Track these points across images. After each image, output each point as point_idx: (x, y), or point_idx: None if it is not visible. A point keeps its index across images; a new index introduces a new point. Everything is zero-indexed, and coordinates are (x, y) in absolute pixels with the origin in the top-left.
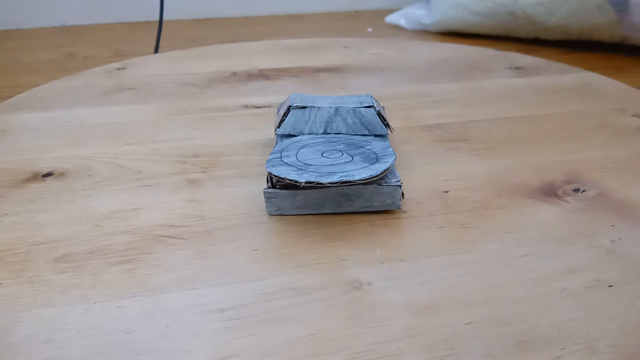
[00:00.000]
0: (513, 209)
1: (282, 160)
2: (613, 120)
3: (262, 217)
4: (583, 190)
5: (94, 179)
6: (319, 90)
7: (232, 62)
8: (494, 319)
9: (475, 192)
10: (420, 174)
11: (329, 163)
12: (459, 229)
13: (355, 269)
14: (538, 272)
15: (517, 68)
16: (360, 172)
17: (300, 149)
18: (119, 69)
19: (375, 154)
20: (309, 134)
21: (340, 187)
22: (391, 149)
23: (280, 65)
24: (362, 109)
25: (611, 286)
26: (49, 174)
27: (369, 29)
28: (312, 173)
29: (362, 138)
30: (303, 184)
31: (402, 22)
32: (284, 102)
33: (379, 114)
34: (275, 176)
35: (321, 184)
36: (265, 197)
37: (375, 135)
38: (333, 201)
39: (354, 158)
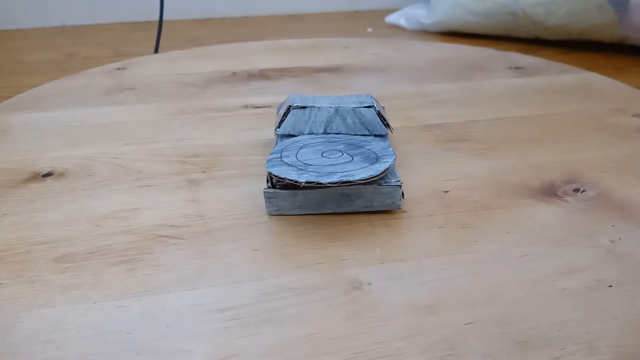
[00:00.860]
0: (513, 209)
1: (282, 160)
2: (613, 120)
3: (262, 217)
4: (583, 190)
5: (94, 179)
6: (319, 90)
7: (232, 62)
8: (494, 319)
9: (475, 192)
10: (420, 174)
11: (329, 163)
12: (459, 229)
13: (355, 269)
14: (538, 272)
15: (517, 68)
16: (360, 172)
17: (300, 149)
18: (119, 69)
19: (375, 154)
20: (309, 134)
21: (340, 187)
22: (391, 149)
23: (280, 65)
24: (362, 109)
25: (611, 286)
26: (49, 174)
27: (369, 29)
28: (312, 173)
29: (362, 138)
30: (303, 184)
31: (402, 22)
32: (284, 102)
33: (379, 114)
34: (275, 176)
35: (321, 184)
36: (265, 197)
37: (375, 135)
38: (333, 201)
39: (354, 158)
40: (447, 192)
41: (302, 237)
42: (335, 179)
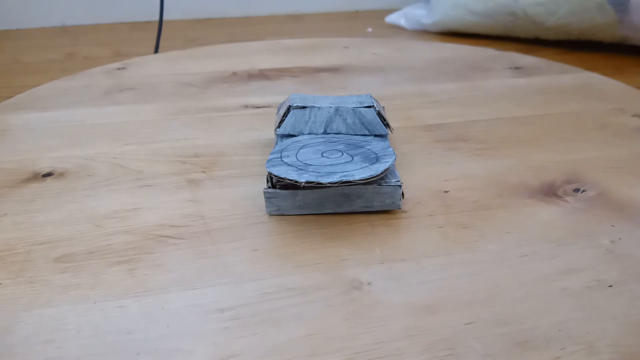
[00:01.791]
0: (513, 209)
1: (282, 160)
2: (613, 120)
3: (262, 217)
4: (583, 190)
5: (94, 179)
6: (319, 90)
7: (232, 62)
8: (494, 319)
9: (475, 192)
10: (420, 174)
11: (329, 163)
12: (459, 229)
13: (355, 269)
14: (538, 272)
15: (517, 68)
16: (360, 172)
17: (300, 149)
18: (119, 69)
19: (375, 154)
20: (309, 134)
21: (340, 187)
22: (391, 149)
23: (280, 65)
24: (362, 109)
25: (611, 286)
26: (49, 174)
27: (369, 29)
28: (312, 173)
29: (362, 138)
30: (303, 184)
31: (402, 22)
32: (284, 102)
33: (379, 114)
34: (275, 176)
35: (321, 184)
36: (265, 197)
37: (375, 135)
38: (333, 201)
39: (354, 158)
40: (447, 192)
41: (302, 237)
42: (335, 179)
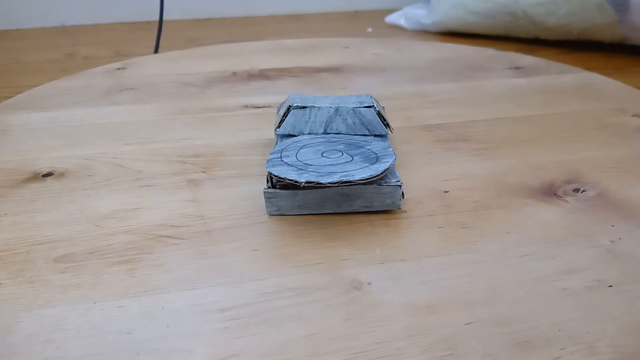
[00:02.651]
0: (513, 209)
1: (282, 160)
2: (613, 120)
3: (262, 217)
4: (583, 190)
5: (94, 179)
6: (319, 90)
7: (232, 62)
8: (494, 319)
9: (475, 192)
10: (420, 174)
11: (329, 163)
12: (459, 229)
13: (355, 269)
14: (538, 272)
15: (517, 68)
16: (360, 172)
17: (300, 149)
18: (119, 69)
19: (375, 154)
20: (309, 134)
21: (340, 187)
22: (391, 149)
23: (280, 65)
24: (362, 109)
25: (611, 286)
26: (49, 174)
27: (369, 29)
28: (312, 173)
29: (362, 138)
30: (303, 184)
31: (402, 22)
32: (284, 102)
33: (379, 114)
34: (275, 176)
35: (321, 184)
36: (265, 197)
37: (375, 135)
38: (333, 201)
39: (354, 158)
40: (447, 192)
41: (302, 237)
42: (335, 179)
